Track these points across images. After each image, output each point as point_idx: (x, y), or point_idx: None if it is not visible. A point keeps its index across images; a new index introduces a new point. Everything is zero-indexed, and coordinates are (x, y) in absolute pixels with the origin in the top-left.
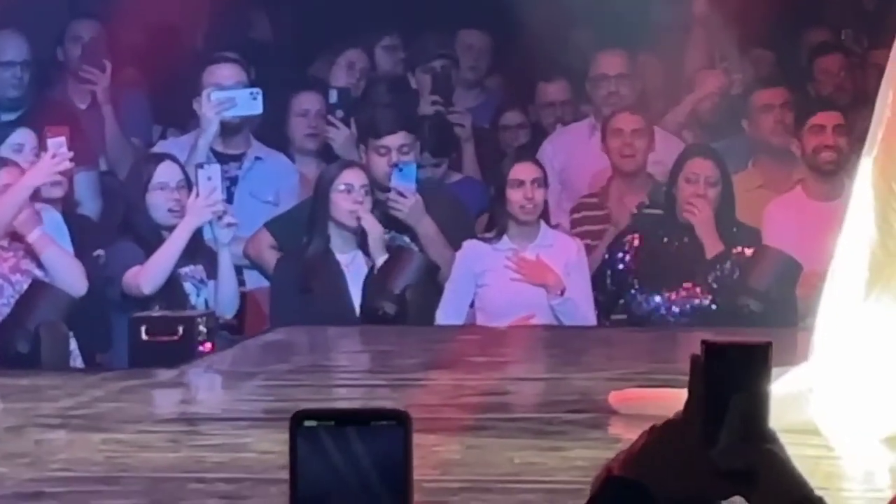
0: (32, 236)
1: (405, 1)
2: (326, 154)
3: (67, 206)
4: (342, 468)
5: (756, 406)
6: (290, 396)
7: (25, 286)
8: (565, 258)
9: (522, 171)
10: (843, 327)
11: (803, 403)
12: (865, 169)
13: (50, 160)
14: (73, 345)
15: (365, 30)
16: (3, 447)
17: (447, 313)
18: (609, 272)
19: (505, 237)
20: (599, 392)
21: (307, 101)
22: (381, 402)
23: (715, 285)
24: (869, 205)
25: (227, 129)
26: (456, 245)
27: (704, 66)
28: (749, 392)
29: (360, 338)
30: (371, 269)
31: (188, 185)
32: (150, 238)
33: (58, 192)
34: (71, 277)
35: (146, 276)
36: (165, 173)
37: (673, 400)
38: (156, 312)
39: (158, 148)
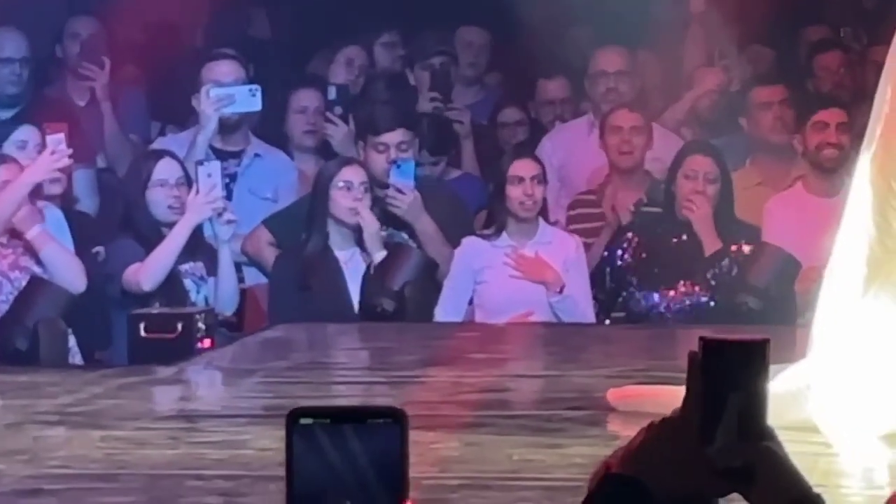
0: (31, 233)
1: None
2: (325, 151)
3: (66, 203)
4: (338, 466)
5: (754, 403)
6: (288, 393)
7: (24, 283)
8: (564, 255)
9: (522, 167)
10: (842, 324)
11: (802, 400)
12: (864, 166)
13: (49, 157)
14: (73, 342)
15: (364, 27)
16: (2, 444)
17: (446, 310)
18: (608, 270)
19: (504, 234)
20: (598, 389)
21: (305, 98)
22: (380, 399)
23: (713, 282)
24: (867, 202)
25: (226, 126)
26: (454, 242)
27: (703, 64)
28: (747, 389)
29: (358, 335)
30: (368, 265)
31: (188, 181)
32: (150, 235)
33: (57, 189)
34: (70, 274)
35: (146, 273)
36: (165, 170)
37: (671, 397)
38: (155, 309)
39: (157, 145)
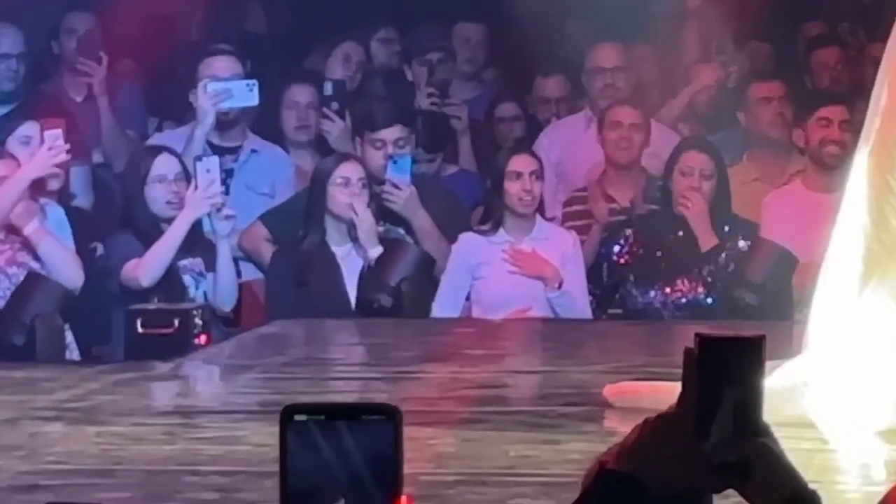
0: (29, 229)
1: None
2: (321, 146)
3: (63, 199)
4: (333, 462)
5: (749, 399)
6: (285, 389)
7: (22, 278)
8: (561, 251)
9: (521, 163)
10: (838, 320)
11: (798, 396)
12: (861, 161)
13: (46, 152)
14: (70, 337)
15: (361, 22)
16: None
17: (443, 306)
18: (605, 266)
19: (501, 230)
20: (595, 385)
21: (298, 94)
22: (377, 395)
23: (710, 279)
24: (864, 197)
25: (224, 122)
26: (451, 238)
27: (700, 59)
28: (742, 385)
29: (355, 330)
30: (366, 262)
31: (186, 177)
32: (148, 231)
33: (54, 185)
34: (67, 270)
35: (145, 269)
36: (163, 165)
37: (668, 393)
38: (152, 305)
39: (154, 140)
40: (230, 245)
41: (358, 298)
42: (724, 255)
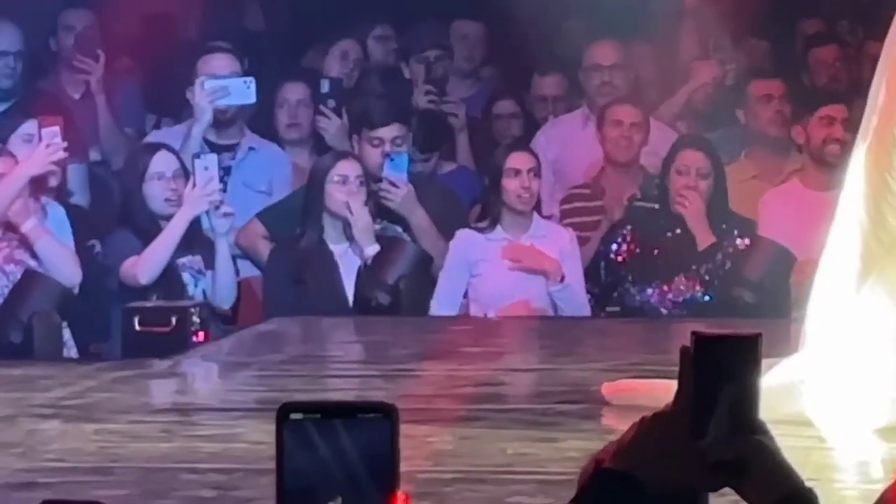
0: (26, 226)
1: None
2: (317, 144)
3: (61, 196)
4: (329, 461)
5: (746, 397)
6: (282, 387)
7: (19, 276)
8: (559, 248)
9: (519, 160)
10: (836, 318)
11: (795, 394)
12: (858, 159)
13: (44, 150)
14: (67, 335)
15: (359, 20)
16: None
17: (441, 303)
18: (603, 264)
19: (498, 227)
20: (593, 383)
21: (289, 91)
22: (375, 393)
23: (707, 277)
24: (862, 195)
25: (221, 120)
26: (449, 235)
27: (698, 57)
28: (739, 383)
29: (353, 328)
30: (364, 260)
31: (185, 174)
32: (147, 228)
33: (52, 182)
34: (65, 268)
35: (143, 267)
36: (162, 163)
37: (666, 391)
38: (149, 303)
39: (152, 137)
40: (229, 243)
41: (355, 296)
42: (720, 253)
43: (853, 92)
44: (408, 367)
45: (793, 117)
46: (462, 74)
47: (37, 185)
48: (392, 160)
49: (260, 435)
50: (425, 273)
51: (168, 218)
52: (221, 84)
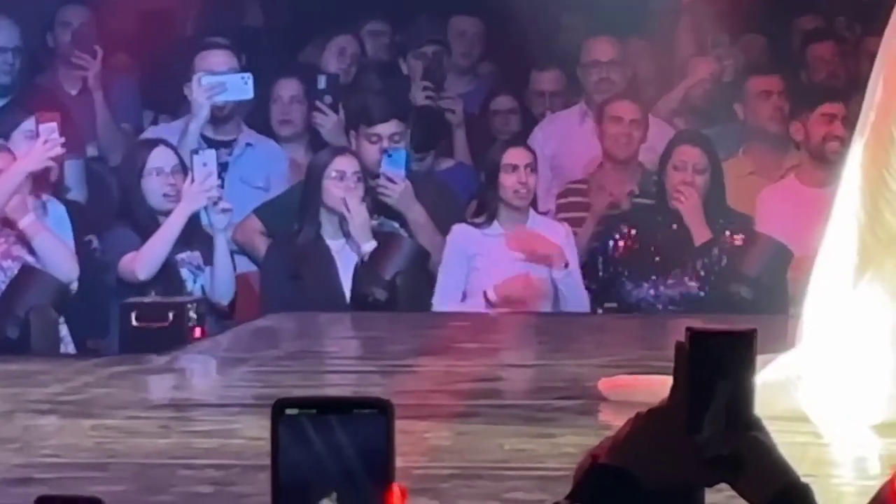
0: (24, 222)
1: None
2: (312, 140)
3: (57, 192)
4: (324, 456)
5: (741, 393)
6: (279, 383)
7: (16, 272)
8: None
9: (516, 155)
10: (832, 314)
11: (792, 390)
12: (856, 155)
13: (41, 146)
14: (65, 330)
15: (356, 15)
16: None
17: (443, 298)
18: (600, 260)
19: (495, 222)
20: (590, 379)
21: (282, 87)
22: (372, 389)
23: (703, 272)
24: (859, 191)
25: (219, 116)
26: (446, 231)
27: (696, 53)
28: (734, 379)
29: (350, 324)
30: (361, 257)
31: (183, 170)
32: (146, 223)
33: (50, 178)
34: (62, 263)
35: (141, 263)
36: (160, 158)
37: (663, 387)
38: (146, 298)
39: (149, 133)
40: (227, 238)
41: (352, 292)
42: (717, 248)
43: (851, 89)
44: (405, 362)
45: (791, 114)
46: (459, 70)
47: (37, 182)
48: (390, 156)
49: (257, 431)
50: (422, 269)
51: (166, 213)
52: (219, 80)
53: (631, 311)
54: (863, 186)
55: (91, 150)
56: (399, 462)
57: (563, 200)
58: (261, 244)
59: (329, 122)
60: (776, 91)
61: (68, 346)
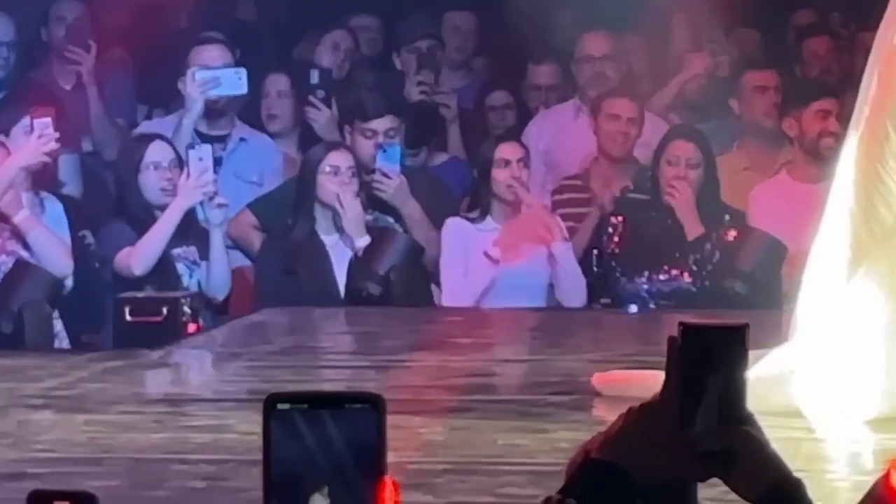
0: (18, 217)
1: None
2: (303, 135)
3: (52, 187)
4: (316, 451)
5: (733, 388)
6: (273, 378)
7: (10, 266)
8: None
9: (508, 150)
10: (826, 308)
11: (785, 385)
12: (850, 149)
13: (36, 141)
14: (59, 326)
15: (350, 10)
16: None
17: (452, 291)
18: (594, 255)
19: (489, 217)
20: (584, 374)
21: (270, 83)
22: (365, 384)
23: (695, 267)
24: (853, 185)
25: (213, 111)
26: (441, 227)
27: (691, 47)
28: (726, 374)
29: (344, 319)
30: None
31: (180, 164)
32: (142, 218)
33: (48, 174)
34: (56, 258)
35: (137, 258)
36: (158, 153)
37: (656, 381)
38: (140, 293)
39: (143, 128)
40: (223, 233)
41: (347, 287)
42: (709, 244)
43: (846, 84)
44: (399, 357)
45: (784, 109)
46: (454, 65)
47: (36, 178)
48: (385, 151)
49: (250, 426)
50: (416, 264)
51: (163, 208)
52: (213, 75)
53: (625, 305)
54: (857, 181)
55: (86, 145)
56: (393, 457)
57: (558, 197)
58: (255, 239)
59: (322, 117)
60: (771, 86)
61: (63, 341)
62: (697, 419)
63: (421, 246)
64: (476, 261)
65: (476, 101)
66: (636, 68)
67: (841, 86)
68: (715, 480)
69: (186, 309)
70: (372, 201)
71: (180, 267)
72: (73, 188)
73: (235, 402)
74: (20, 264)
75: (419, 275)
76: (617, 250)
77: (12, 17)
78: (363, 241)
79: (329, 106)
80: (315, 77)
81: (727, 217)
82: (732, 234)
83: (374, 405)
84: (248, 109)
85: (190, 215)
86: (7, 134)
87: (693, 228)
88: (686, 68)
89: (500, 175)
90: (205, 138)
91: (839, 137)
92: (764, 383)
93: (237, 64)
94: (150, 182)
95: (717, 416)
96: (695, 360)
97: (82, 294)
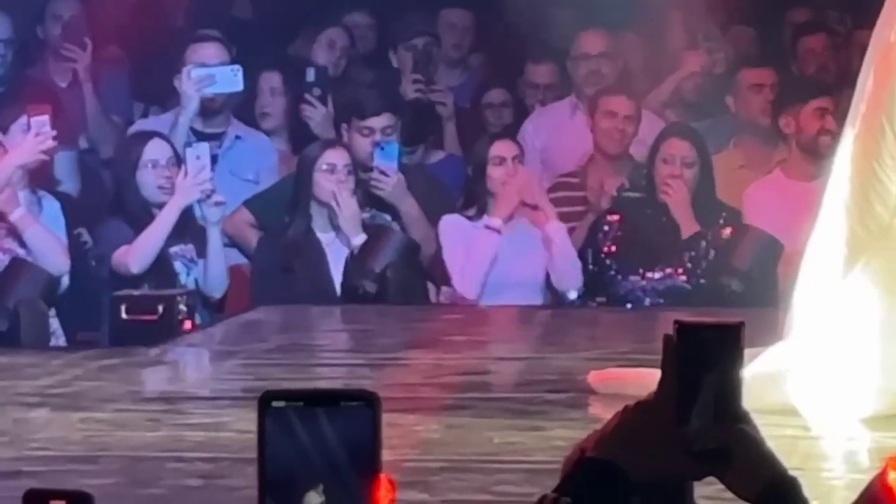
0: (15, 215)
1: None
2: (295, 133)
3: (48, 185)
4: (311, 449)
5: (729, 386)
6: (269, 375)
7: (6, 264)
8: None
9: (502, 148)
10: (822, 306)
11: (781, 383)
12: (846, 147)
13: (33, 139)
14: (56, 324)
15: (346, 8)
16: None
17: (467, 281)
18: (590, 253)
19: (485, 215)
20: (579, 372)
21: (263, 81)
22: (361, 382)
23: (690, 265)
24: (849, 182)
25: (209, 108)
26: (437, 224)
27: (687, 45)
28: (722, 372)
29: (340, 317)
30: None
31: (178, 162)
32: (140, 216)
33: (45, 173)
34: (53, 256)
35: (134, 256)
36: (156, 150)
37: (652, 380)
38: (136, 291)
39: (139, 126)
40: (220, 231)
41: (343, 285)
42: (704, 242)
43: (842, 81)
44: (394, 355)
45: (780, 107)
46: (450, 63)
47: (33, 176)
48: (382, 149)
49: (246, 424)
50: (412, 262)
51: (161, 206)
52: (208, 72)
53: (621, 304)
54: (853, 178)
55: (82, 143)
56: (389, 455)
57: (554, 194)
58: (251, 236)
59: (318, 115)
60: (768, 84)
61: (59, 339)
62: (693, 417)
63: (417, 244)
64: (475, 250)
65: (473, 99)
66: (632, 66)
67: (837, 84)
68: (711, 479)
69: (182, 307)
70: (369, 199)
71: (177, 265)
72: (69, 186)
73: (231, 399)
74: (16, 262)
75: (415, 272)
76: (612, 248)
77: (9, 15)
78: (359, 238)
79: (325, 104)
80: (311, 75)
81: (723, 215)
82: (728, 231)
83: (369, 403)
84: (244, 107)
85: (187, 213)
86: (4, 132)
87: (688, 226)
88: (682, 66)
89: (495, 172)
90: (201, 136)
91: (836, 135)
92: (760, 381)
93: (233, 62)
94: (148, 180)
95: (712, 414)
96: (690, 359)
97: (78, 292)
